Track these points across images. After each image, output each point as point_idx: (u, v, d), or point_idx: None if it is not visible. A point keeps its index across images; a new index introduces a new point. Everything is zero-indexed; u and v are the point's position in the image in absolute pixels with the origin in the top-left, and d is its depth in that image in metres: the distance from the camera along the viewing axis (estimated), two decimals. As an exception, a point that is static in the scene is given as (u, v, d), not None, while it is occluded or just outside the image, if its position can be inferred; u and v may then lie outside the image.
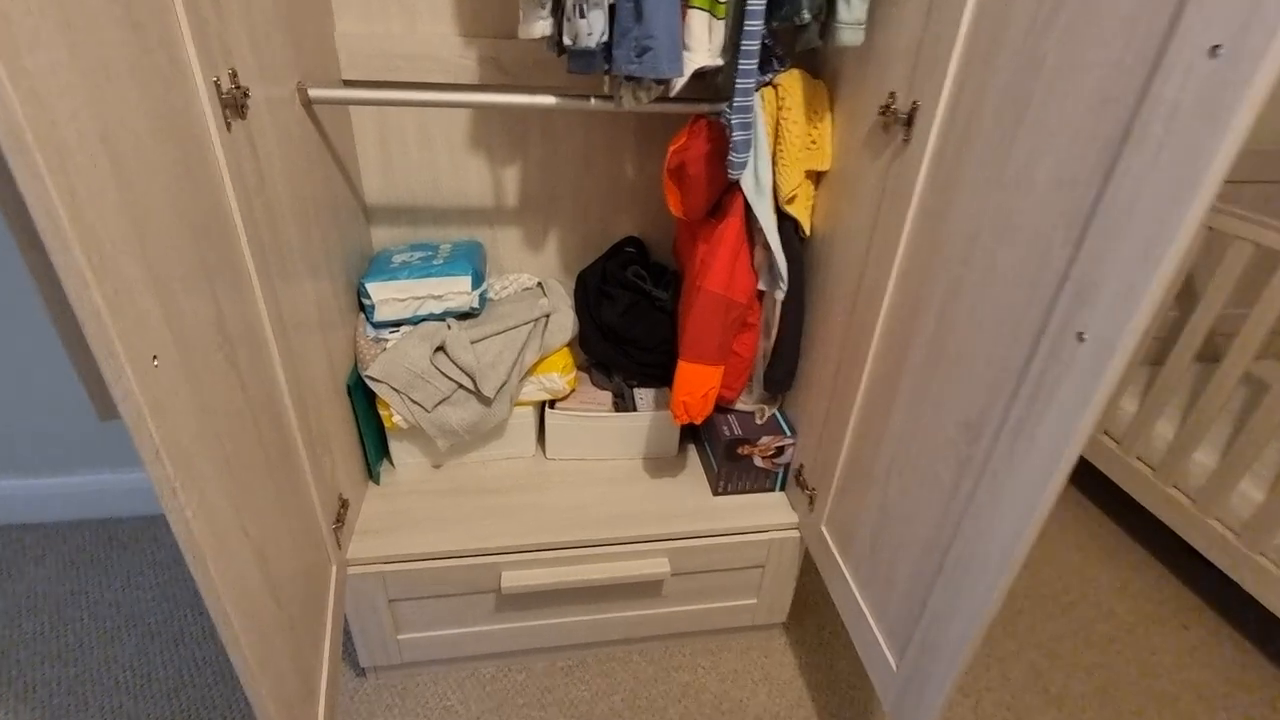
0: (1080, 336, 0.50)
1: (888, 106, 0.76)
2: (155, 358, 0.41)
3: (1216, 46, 0.40)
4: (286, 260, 0.77)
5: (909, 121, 0.73)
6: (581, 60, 0.80)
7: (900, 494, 0.78)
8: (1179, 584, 1.41)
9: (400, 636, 1.05)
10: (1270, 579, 1.16)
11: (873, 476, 0.85)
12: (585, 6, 0.75)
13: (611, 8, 0.77)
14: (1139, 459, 1.42)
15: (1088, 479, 1.65)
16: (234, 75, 0.64)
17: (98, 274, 0.36)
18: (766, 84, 0.90)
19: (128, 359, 0.38)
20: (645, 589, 1.09)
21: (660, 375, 1.18)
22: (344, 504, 0.95)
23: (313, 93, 0.84)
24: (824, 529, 0.99)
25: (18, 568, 1.27)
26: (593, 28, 0.76)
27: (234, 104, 0.63)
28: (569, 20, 0.78)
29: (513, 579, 1.00)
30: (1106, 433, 1.49)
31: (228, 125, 0.62)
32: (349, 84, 1.03)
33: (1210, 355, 1.51)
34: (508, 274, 1.24)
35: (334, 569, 0.89)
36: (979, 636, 0.64)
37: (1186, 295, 1.48)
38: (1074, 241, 0.51)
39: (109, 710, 1.04)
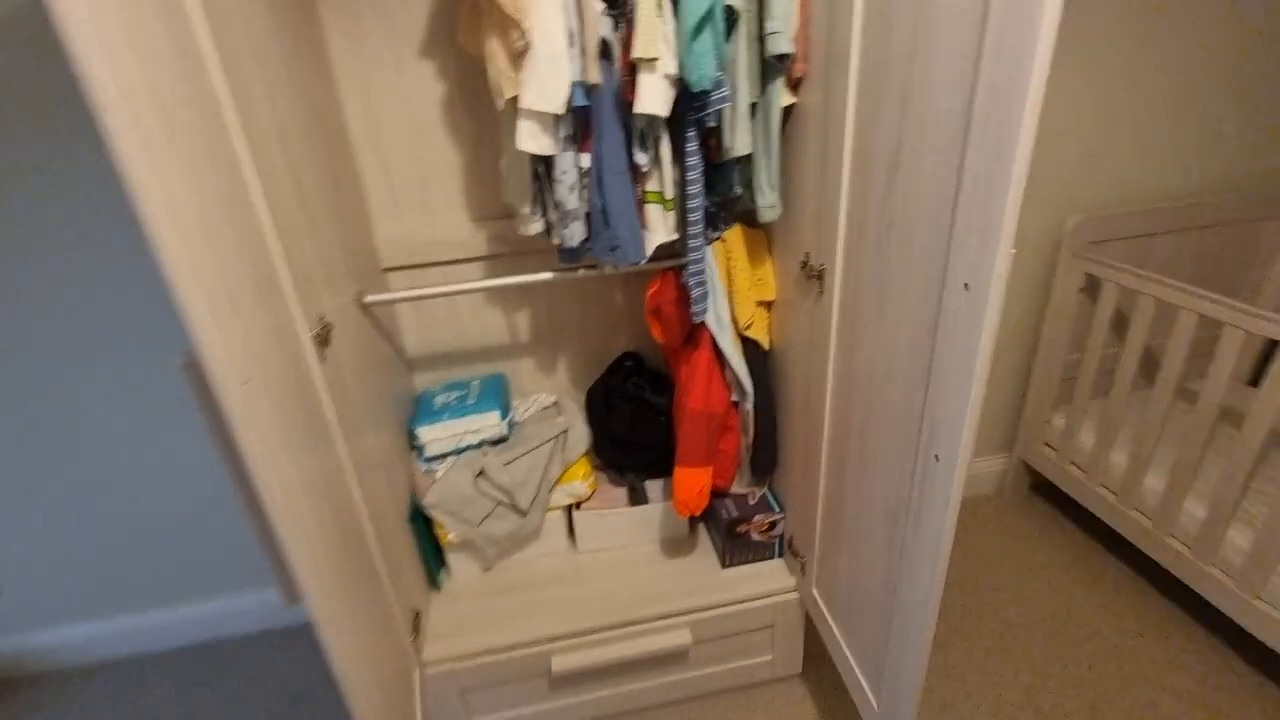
0: (936, 458, 0.71)
1: (805, 263, 1.00)
2: (316, 561, 0.63)
3: (967, 284, 0.62)
4: (360, 425, 1.00)
5: (821, 277, 0.95)
6: (568, 255, 1.05)
7: (858, 560, 0.98)
8: (1159, 596, 1.55)
9: (472, 721, 1.24)
10: (1224, 589, 1.31)
11: (840, 546, 1.04)
12: (567, 220, 1.00)
13: (587, 215, 1.02)
14: (1103, 486, 1.58)
15: (1069, 506, 1.81)
16: (322, 319, 0.89)
17: (278, 497, 0.59)
18: (716, 239, 1.14)
19: (306, 565, 0.60)
20: (673, 658, 1.27)
21: (665, 467, 1.38)
22: (417, 616, 1.16)
23: (367, 299, 1.10)
24: (815, 591, 1.18)
25: (143, 694, 1.49)
26: (574, 235, 1.01)
27: (323, 340, 0.88)
28: (554, 227, 1.03)
29: (561, 663, 1.19)
30: (1073, 463, 1.66)
31: (322, 357, 0.86)
32: (388, 270, 1.29)
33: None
34: (528, 395, 1.47)
35: (416, 673, 1.09)
36: (924, 666, 0.83)
37: (1120, 327, 1.64)
38: (924, 390, 0.72)
39: (237, 812, 1.24)
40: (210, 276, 0.56)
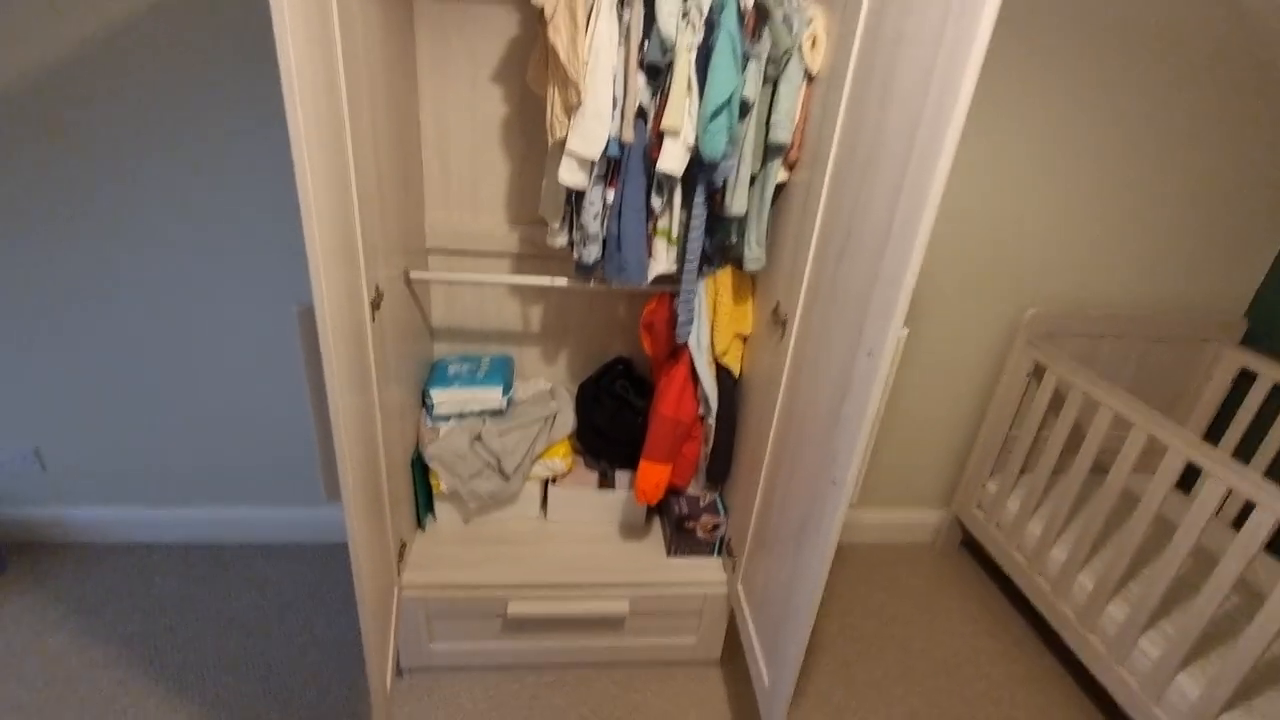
0: (833, 482, 0.91)
1: (775, 310, 1.20)
2: (356, 471, 0.84)
3: (870, 352, 0.82)
4: (389, 378, 1.21)
5: (784, 325, 1.16)
6: (583, 269, 1.26)
7: (774, 561, 1.18)
8: (1050, 655, 1.74)
9: (432, 645, 1.44)
10: (1097, 654, 1.50)
11: (763, 549, 1.24)
12: (587, 241, 1.21)
13: (604, 240, 1.23)
14: (1018, 549, 1.78)
15: (990, 563, 2.00)
16: (377, 286, 1.10)
17: (341, 421, 0.80)
18: (709, 275, 1.34)
19: (350, 472, 0.81)
20: (610, 623, 1.47)
21: (634, 461, 1.57)
22: (403, 545, 1.37)
23: (413, 275, 1.31)
24: (740, 587, 1.38)
25: (151, 578, 1.70)
26: (591, 254, 1.22)
27: (376, 304, 1.09)
28: (576, 245, 1.24)
29: (516, 608, 1.40)
30: (997, 525, 1.85)
31: (373, 319, 1.07)
32: (430, 251, 1.50)
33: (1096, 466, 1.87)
34: (529, 379, 1.68)
35: (396, 590, 1.30)
36: (802, 650, 1.03)
37: (1055, 411, 1.82)
38: (832, 428, 0.93)
39: (220, 686, 1.44)
40: (328, 240, 0.77)
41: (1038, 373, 1.77)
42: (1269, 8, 1.43)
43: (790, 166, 1.15)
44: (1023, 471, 1.83)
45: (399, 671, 1.50)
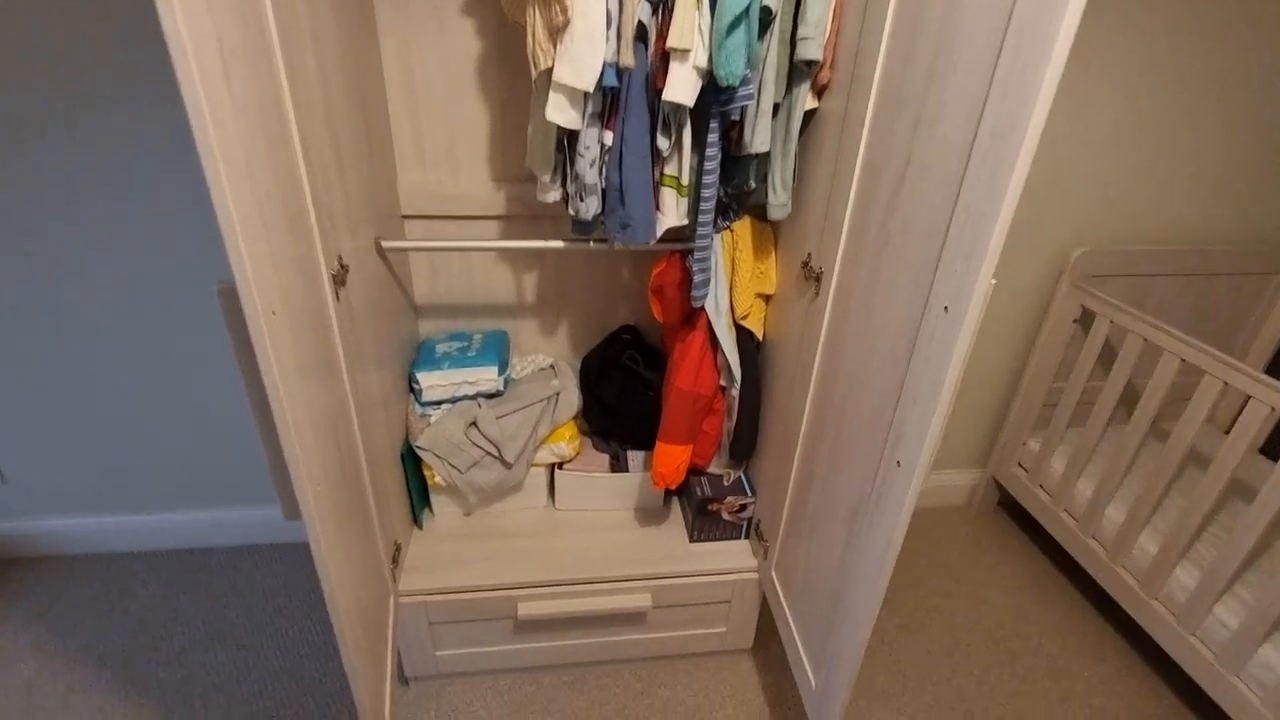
0: (898, 464, 0.76)
1: (806, 263, 1.03)
2: (317, 484, 0.69)
3: (946, 307, 0.66)
4: (365, 363, 1.05)
5: (819, 280, 0.99)
6: (581, 226, 1.09)
7: (816, 550, 1.04)
8: (1103, 622, 1.62)
9: (438, 653, 1.32)
10: (1164, 623, 1.37)
11: (802, 535, 1.10)
12: (584, 193, 1.04)
13: (604, 191, 1.05)
14: (1066, 512, 1.64)
15: (1032, 526, 1.87)
16: (340, 259, 0.93)
17: (291, 422, 0.64)
18: (725, 228, 1.17)
19: (309, 487, 0.66)
20: (632, 618, 1.34)
21: (649, 439, 1.43)
22: (397, 548, 1.23)
23: (385, 244, 1.14)
24: (774, 574, 1.24)
25: (130, 590, 1.57)
26: (589, 209, 1.05)
27: (340, 280, 0.92)
28: (571, 198, 1.07)
29: (527, 609, 1.26)
30: (1041, 486, 1.72)
31: (336, 296, 0.91)
32: (407, 218, 1.33)
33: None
34: (527, 355, 1.52)
35: (392, 599, 1.16)
36: (861, 653, 0.89)
37: (1107, 361, 1.67)
38: (896, 400, 0.77)
39: (210, 706, 1.32)
40: (250, 211, 0.60)
41: (1085, 319, 1.61)
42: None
43: (820, 91, 0.97)
44: (1068, 427, 1.69)
45: (404, 680, 1.38)
